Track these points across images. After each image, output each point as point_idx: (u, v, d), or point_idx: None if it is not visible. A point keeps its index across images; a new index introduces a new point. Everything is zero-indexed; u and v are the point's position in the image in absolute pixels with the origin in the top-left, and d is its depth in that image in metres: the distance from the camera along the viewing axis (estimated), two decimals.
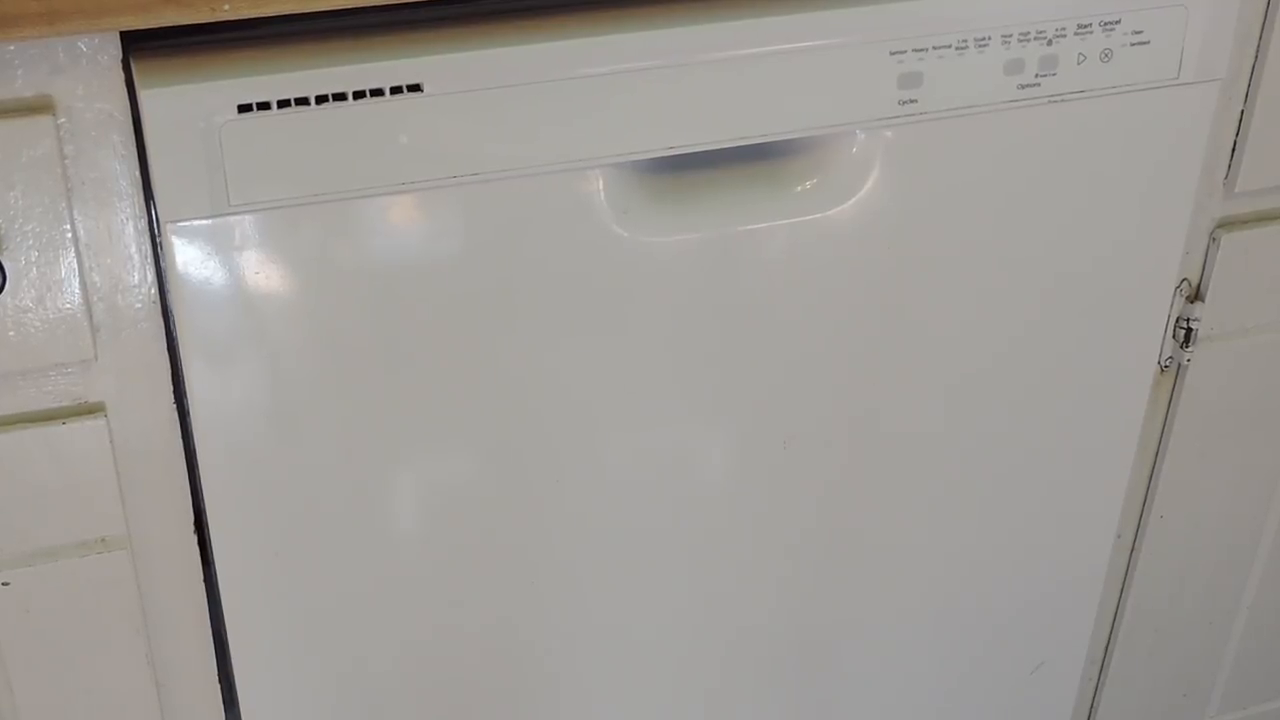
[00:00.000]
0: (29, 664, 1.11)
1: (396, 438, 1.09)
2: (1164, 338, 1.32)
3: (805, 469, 1.23)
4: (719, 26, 1.02)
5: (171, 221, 0.97)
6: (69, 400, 1.04)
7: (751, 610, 1.29)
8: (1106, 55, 1.12)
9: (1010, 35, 1.09)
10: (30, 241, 0.98)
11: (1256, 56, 1.23)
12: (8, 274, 0.98)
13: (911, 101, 1.09)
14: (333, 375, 1.06)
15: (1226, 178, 1.28)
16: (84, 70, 0.95)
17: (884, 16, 1.05)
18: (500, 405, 1.11)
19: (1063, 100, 1.13)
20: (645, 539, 1.21)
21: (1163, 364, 1.35)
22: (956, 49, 1.08)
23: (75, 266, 0.99)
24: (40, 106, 0.95)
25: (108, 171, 0.98)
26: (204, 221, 0.97)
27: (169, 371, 1.06)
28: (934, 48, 1.07)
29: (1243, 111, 1.26)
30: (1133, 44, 1.12)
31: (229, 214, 0.97)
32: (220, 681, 1.18)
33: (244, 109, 0.94)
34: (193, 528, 1.12)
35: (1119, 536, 1.45)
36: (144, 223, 1.01)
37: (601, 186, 1.06)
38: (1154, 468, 1.42)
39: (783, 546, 1.27)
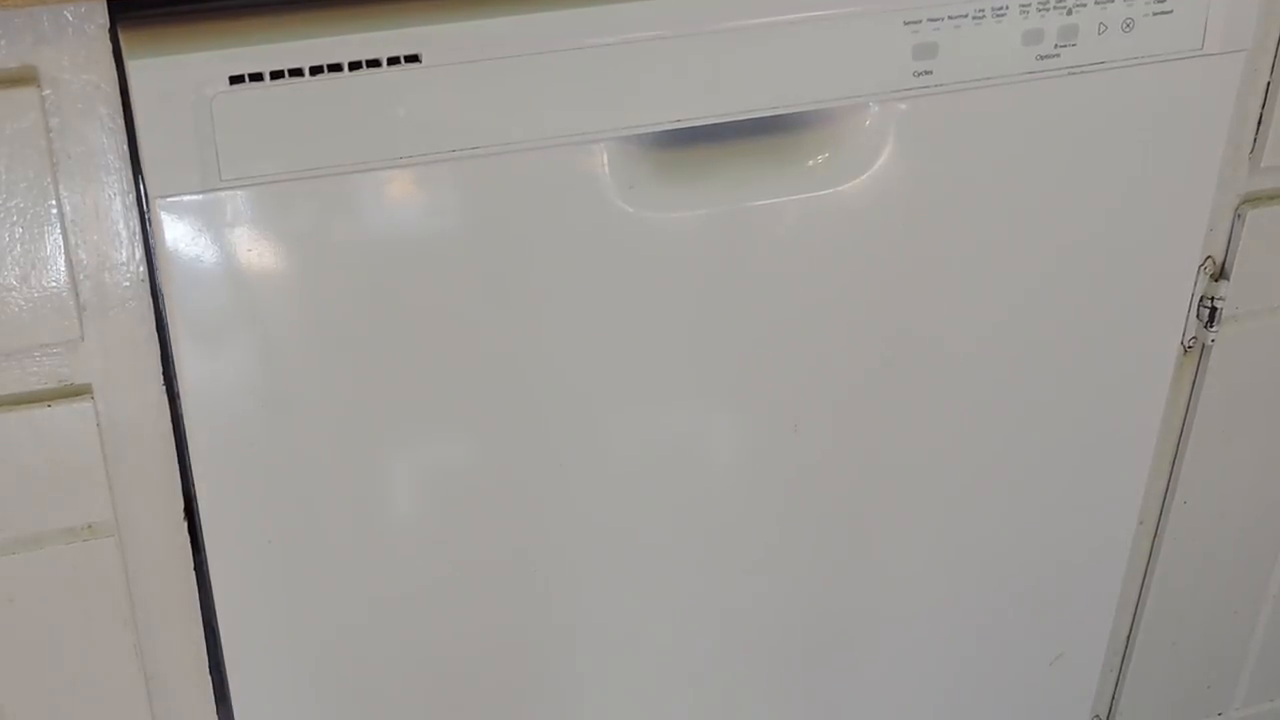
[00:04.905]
0: (13, 655, 1.10)
1: (393, 421, 1.09)
2: (1187, 317, 1.32)
3: (816, 455, 1.22)
4: None
5: (161, 197, 0.96)
6: (54, 382, 1.04)
7: (762, 601, 1.29)
8: (1128, 25, 1.12)
9: (1029, 4, 1.08)
10: (14, 218, 0.97)
11: None
12: None
13: (927, 73, 1.08)
14: (328, 357, 1.05)
15: (1252, 152, 1.28)
16: (69, 40, 0.94)
17: None
18: (500, 387, 1.10)
19: (1083, 72, 1.12)
20: (649, 524, 1.21)
21: (1186, 344, 1.34)
22: (973, 18, 1.07)
23: (61, 244, 0.99)
24: (24, 78, 0.94)
25: (94, 145, 0.98)
26: (194, 197, 0.97)
27: (158, 352, 1.05)
28: (950, 17, 1.07)
29: (1269, 83, 1.25)
30: (1155, 13, 1.12)
31: (220, 189, 0.97)
32: (211, 674, 1.18)
33: (236, 80, 0.94)
34: (182, 514, 1.11)
35: (1141, 523, 1.44)
36: (132, 198, 1.00)
37: (606, 161, 1.05)
38: (1177, 452, 1.42)
39: (793, 535, 1.26)
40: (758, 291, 1.13)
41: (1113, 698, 1.57)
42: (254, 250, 0.99)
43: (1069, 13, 1.09)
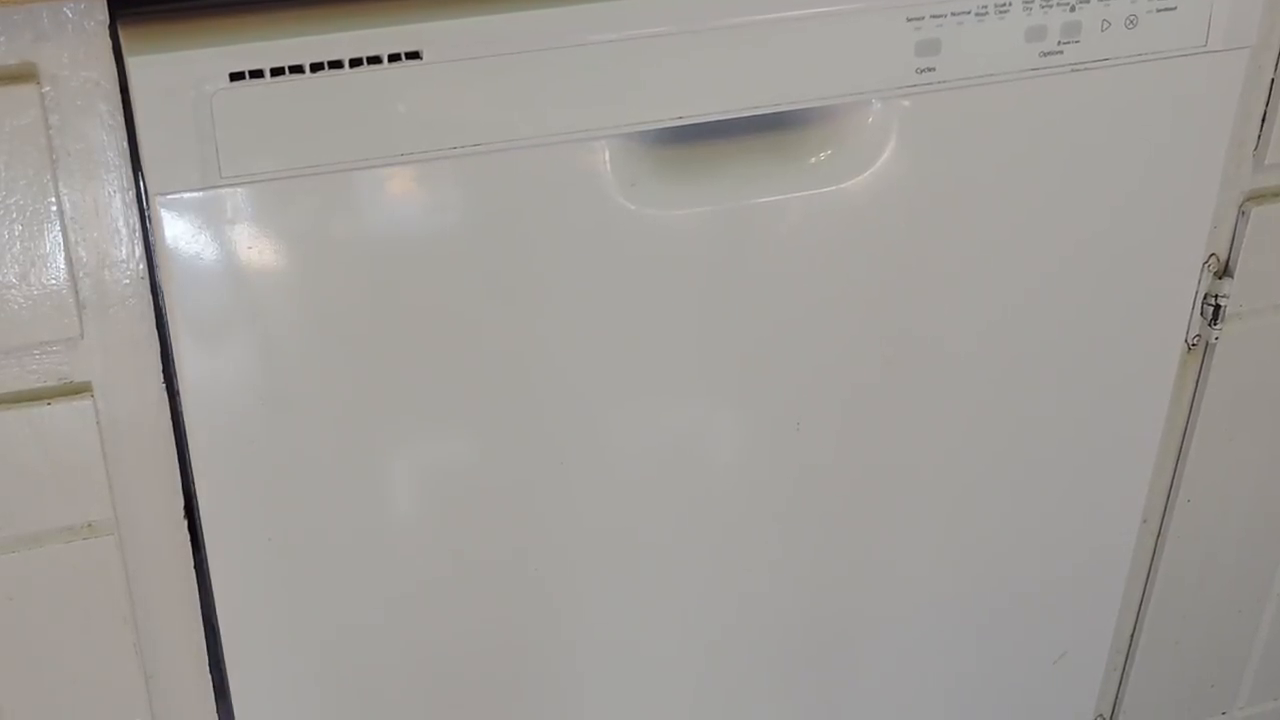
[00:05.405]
0: (12, 654, 1.10)
1: (394, 419, 1.08)
2: (1191, 315, 1.31)
3: (818, 453, 1.22)
4: None
5: (161, 194, 0.96)
6: (54, 380, 1.03)
7: (764, 600, 1.28)
8: (1131, 22, 1.11)
9: (1032, 1, 1.08)
10: (14, 215, 0.97)
11: None
12: None
13: (929, 70, 1.08)
14: (328, 354, 1.04)
15: (1256, 149, 1.27)
16: (69, 37, 0.94)
17: None
18: (501, 385, 1.10)
19: (1086, 69, 1.12)
20: (650, 523, 1.20)
21: (1190, 342, 1.34)
22: (976, 15, 1.07)
23: (60, 241, 0.98)
24: (23, 75, 0.94)
25: (94, 142, 0.97)
26: (194, 194, 0.96)
27: (158, 350, 1.05)
28: (953, 14, 1.06)
29: (1273, 80, 1.25)
30: (1159, 10, 1.11)
31: (220, 186, 0.96)
32: (211, 672, 1.18)
33: (236, 77, 0.93)
34: (182, 512, 1.11)
35: (1144, 521, 1.44)
36: (132, 195, 1.00)
37: (608, 158, 1.04)
38: (1181, 450, 1.41)
39: (795, 534, 1.25)
40: (760, 289, 1.12)
41: (1116, 697, 1.56)
42: (254, 248, 0.99)
43: (1072, 9, 1.08)
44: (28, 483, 1.04)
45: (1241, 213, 1.29)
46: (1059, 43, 1.09)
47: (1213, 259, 1.30)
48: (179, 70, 0.92)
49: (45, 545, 1.07)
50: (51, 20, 0.93)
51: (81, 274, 1.00)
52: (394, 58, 0.95)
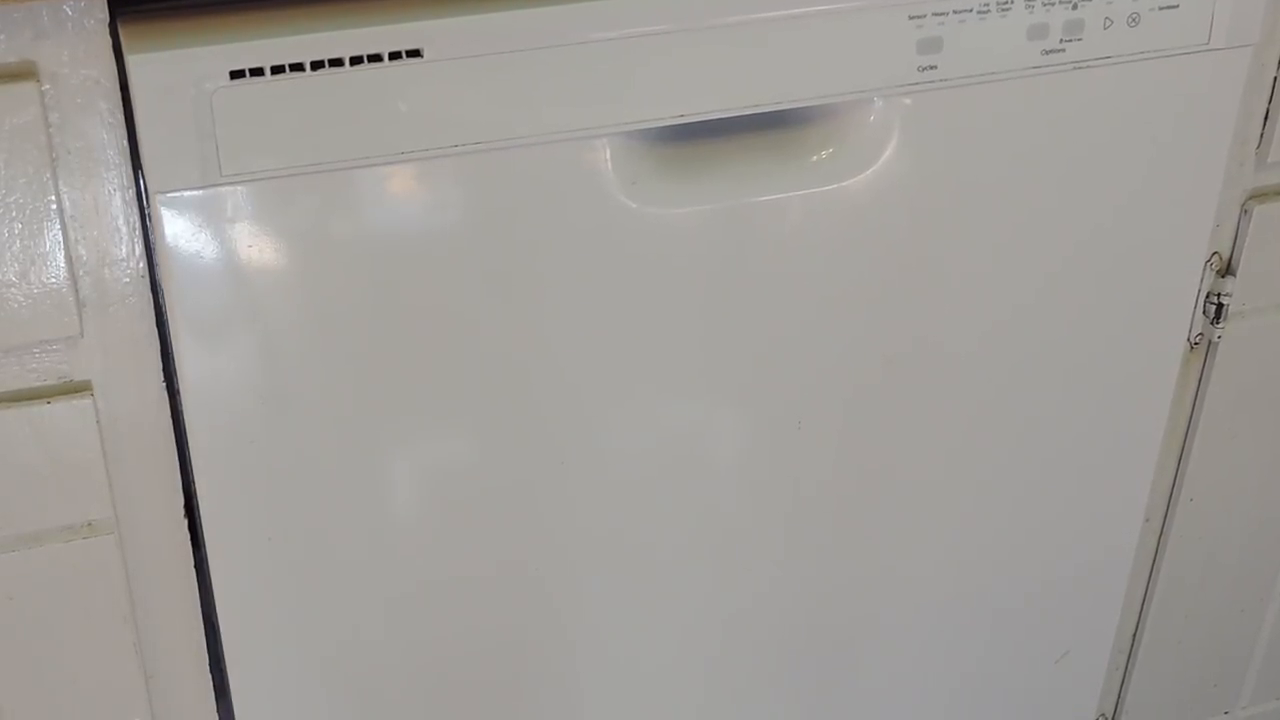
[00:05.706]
0: (12, 653, 1.10)
1: (394, 418, 1.08)
2: (1194, 314, 1.31)
3: (820, 452, 1.22)
4: None
5: (161, 192, 0.96)
6: (54, 379, 1.03)
7: (766, 599, 1.28)
8: (1134, 20, 1.11)
9: None
10: (13, 213, 0.96)
11: None
12: None
13: (931, 68, 1.07)
14: (329, 353, 1.04)
15: (1259, 148, 1.27)
16: (69, 35, 0.94)
17: None
18: (502, 384, 1.09)
19: (1088, 67, 1.12)
20: (652, 522, 1.20)
21: (1192, 341, 1.33)
22: (978, 13, 1.07)
23: (60, 239, 0.98)
24: (23, 73, 0.94)
25: (94, 140, 0.97)
26: (195, 192, 0.96)
27: (158, 349, 1.05)
28: (954, 11, 1.06)
29: (1276, 78, 1.24)
30: (1161, 8, 1.11)
31: (221, 184, 0.96)
32: (211, 671, 1.18)
33: (236, 75, 0.93)
34: (183, 511, 1.11)
35: (1147, 520, 1.43)
36: (132, 194, 1.00)
37: (609, 156, 1.04)
38: (1183, 448, 1.41)
39: (797, 533, 1.25)
40: (761, 288, 1.12)
41: (1118, 696, 1.56)
42: (254, 246, 0.99)
43: (1074, 7, 1.08)
44: (27, 482, 1.04)
45: (1244, 211, 1.29)
46: (1061, 41, 1.09)
47: (1215, 257, 1.30)
48: (179, 68, 0.92)
49: (45, 545, 1.06)
50: (51, 18, 0.93)
51: (81, 272, 1.00)
52: (395, 56, 0.95)
